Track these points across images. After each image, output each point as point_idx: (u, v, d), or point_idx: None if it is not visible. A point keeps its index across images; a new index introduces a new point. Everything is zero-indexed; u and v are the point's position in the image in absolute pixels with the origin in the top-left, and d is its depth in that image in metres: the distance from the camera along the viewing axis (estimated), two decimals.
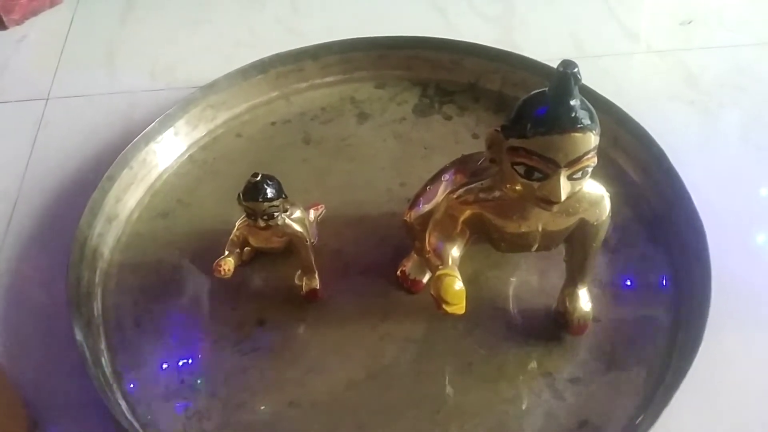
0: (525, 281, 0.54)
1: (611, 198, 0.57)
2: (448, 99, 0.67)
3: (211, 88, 0.64)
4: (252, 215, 0.48)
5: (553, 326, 0.51)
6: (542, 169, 0.39)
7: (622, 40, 0.74)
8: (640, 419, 0.47)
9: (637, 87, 0.69)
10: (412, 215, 0.50)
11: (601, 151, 0.58)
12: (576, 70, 0.38)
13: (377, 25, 0.71)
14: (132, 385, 0.49)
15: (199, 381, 0.49)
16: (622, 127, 0.60)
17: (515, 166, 0.40)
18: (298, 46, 0.67)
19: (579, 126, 0.38)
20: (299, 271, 0.53)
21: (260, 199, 0.47)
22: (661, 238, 0.55)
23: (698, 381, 0.46)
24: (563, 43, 0.73)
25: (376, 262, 0.55)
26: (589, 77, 0.63)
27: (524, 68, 0.64)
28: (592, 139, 0.39)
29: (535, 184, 0.40)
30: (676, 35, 0.74)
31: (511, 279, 0.54)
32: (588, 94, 0.60)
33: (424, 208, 0.49)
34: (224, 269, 0.49)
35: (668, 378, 0.48)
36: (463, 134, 0.64)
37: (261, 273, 0.54)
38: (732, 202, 0.59)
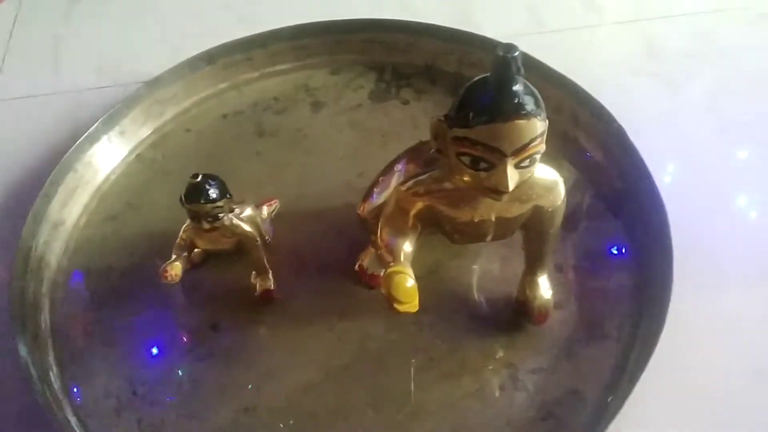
0: (487, 270, 0.52)
1: (572, 177, 0.56)
2: (404, 82, 0.65)
3: (157, 82, 0.62)
4: (195, 218, 0.46)
5: (515, 316, 0.49)
6: (488, 158, 0.37)
7: (584, 12, 0.72)
8: (607, 403, 0.46)
9: (600, 61, 0.67)
10: (365, 208, 0.49)
11: (560, 129, 0.59)
12: (517, 53, 0.36)
13: (331, 8, 0.69)
14: (83, 399, 0.48)
15: (152, 391, 0.48)
16: (582, 105, 0.58)
17: (461, 157, 0.38)
18: (249, 33, 0.65)
19: (523, 113, 0.36)
20: (254, 272, 0.51)
21: (202, 201, 0.45)
22: (622, 218, 0.54)
23: (664, 362, 0.45)
24: (522, 19, 0.71)
25: (334, 257, 0.53)
26: (550, 53, 0.62)
27: (481, 48, 0.62)
28: (538, 126, 0.37)
29: (482, 175, 0.38)
30: (638, 4, 0.72)
31: (473, 267, 0.52)
32: (547, 71, 0.60)
33: (378, 200, 0.47)
34: (171, 275, 0.47)
35: (632, 362, 0.47)
36: (421, 119, 0.62)
37: (213, 275, 0.52)
38: (697, 175, 0.58)
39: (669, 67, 0.66)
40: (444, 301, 0.50)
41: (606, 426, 0.44)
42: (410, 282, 0.40)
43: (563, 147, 0.58)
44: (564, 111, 0.59)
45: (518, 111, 0.36)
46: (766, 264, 0.53)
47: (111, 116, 0.59)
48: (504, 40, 0.60)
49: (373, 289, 0.51)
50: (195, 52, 0.64)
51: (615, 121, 0.56)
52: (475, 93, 0.37)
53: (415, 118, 0.62)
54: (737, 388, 0.47)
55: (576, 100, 0.58)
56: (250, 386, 0.47)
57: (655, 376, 0.45)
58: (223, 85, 0.64)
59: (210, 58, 0.63)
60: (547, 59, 0.59)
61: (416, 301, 0.41)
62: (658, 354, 0.45)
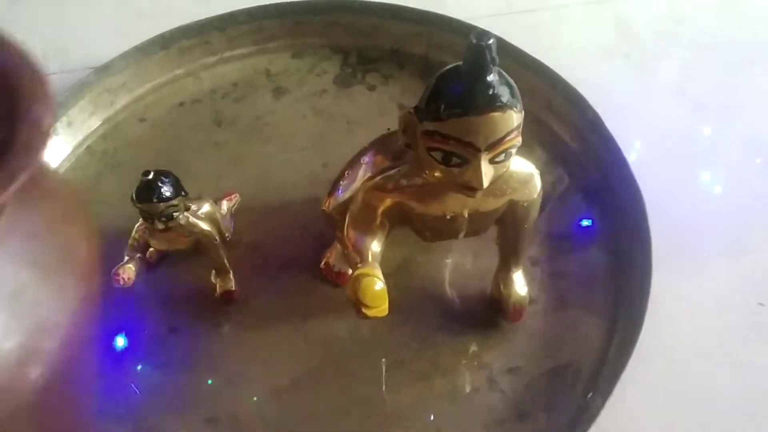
0: (459, 264, 0.50)
1: (546, 165, 0.54)
2: (370, 67, 0.62)
3: (107, 69, 0.58)
4: (148, 218, 0.43)
5: (489, 312, 0.47)
6: (461, 154, 0.35)
7: None
8: (587, 401, 0.44)
9: (572, 42, 0.65)
10: (330, 204, 0.46)
11: (534, 115, 0.56)
12: (491, 41, 0.33)
13: None
14: None
15: (106, 402, 0.45)
16: (556, 90, 0.56)
17: (432, 152, 0.36)
18: (207, 13, 0.61)
19: (498, 104, 0.34)
20: (214, 271, 0.48)
21: (155, 200, 0.42)
22: (598, 206, 0.52)
23: (645, 355, 0.44)
24: None
25: (298, 254, 0.50)
26: (521, 35, 0.60)
27: (449, 30, 0.59)
28: (514, 118, 0.35)
29: (455, 170, 0.36)
30: None
31: (445, 262, 0.50)
32: (519, 55, 0.57)
33: (344, 195, 0.45)
34: (123, 278, 0.44)
35: (612, 358, 0.45)
36: (388, 105, 0.59)
37: (170, 276, 0.49)
38: (669, 156, 0.56)
39: (640, 48, 0.64)
40: (414, 299, 0.48)
41: (588, 426, 0.42)
42: (379, 285, 0.38)
43: (537, 133, 0.55)
44: (537, 96, 0.56)
45: (493, 103, 0.34)
46: (741, 242, 0.52)
47: (57, 106, 0.55)
48: (473, 22, 0.59)
49: (339, 287, 0.49)
50: (149, 36, 0.60)
51: (590, 107, 0.54)
52: (446, 84, 0.35)
53: (382, 104, 0.59)
54: (718, 376, 0.46)
55: (550, 85, 0.56)
56: (211, 394, 0.45)
57: (636, 370, 0.43)
58: (178, 71, 0.60)
59: (164, 42, 0.59)
60: (517, 40, 0.57)
61: (386, 305, 0.38)
62: (638, 347, 0.44)
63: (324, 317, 0.48)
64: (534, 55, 0.57)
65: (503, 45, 0.55)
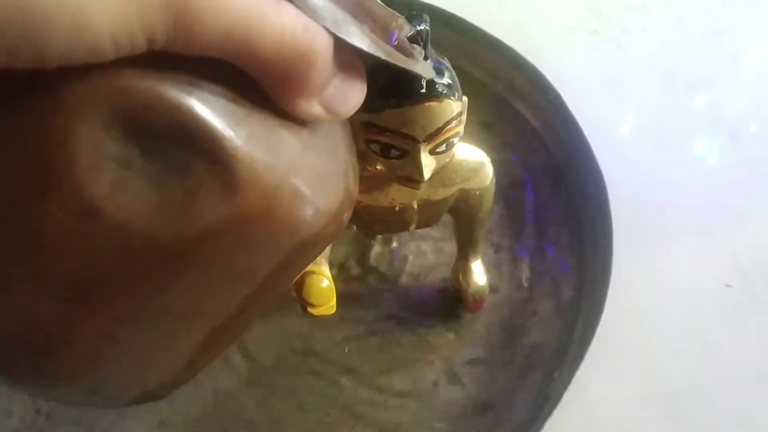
0: (416, 255, 0.49)
1: (508, 148, 0.53)
2: None
3: None
4: None
5: (449, 304, 0.46)
6: (399, 146, 0.34)
7: None
8: (548, 391, 0.43)
9: (538, 18, 0.63)
10: None
11: (498, 96, 0.55)
12: (423, 27, 0.31)
13: None
14: None
15: (57, 409, 0.44)
16: (518, 70, 0.54)
17: (370, 144, 0.34)
18: None
19: (434, 94, 0.32)
20: None
21: None
22: (562, 190, 0.51)
23: (608, 342, 0.43)
24: None
25: None
26: (485, 12, 0.58)
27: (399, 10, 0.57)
28: (453, 107, 0.33)
29: (396, 163, 0.35)
30: None
31: (401, 253, 0.49)
32: (479, 34, 0.55)
33: None
34: None
35: (574, 346, 0.44)
36: None
37: None
38: (637, 135, 0.55)
39: (609, 23, 0.62)
40: (370, 292, 0.47)
41: (548, 415, 0.41)
42: (325, 282, 0.37)
43: (500, 114, 0.54)
44: (499, 76, 0.55)
45: (429, 92, 0.32)
46: (710, 223, 0.51)
47: None
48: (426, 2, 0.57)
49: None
50: None
51: (552, 87, 0.52)
52: (380, 73, 0.33)
53: None
54: (685, 357, 0.45)
55: (512, 65, 0.54)
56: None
57: (599, 353, 0.42)
58: None
59: None
60: (477, 17, 0.55)
61: (333, 302, 0.37)
62: (602, 330, 0.43)
63: (279, 314, 0.46)
64: (497, 34, 0.55)
65: (461, 23, 0.54)
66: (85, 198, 0.20)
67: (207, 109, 0.21)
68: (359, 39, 0.24)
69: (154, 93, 0.20)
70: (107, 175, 0.21)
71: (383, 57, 0.26)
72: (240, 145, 0.22)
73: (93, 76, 0.20)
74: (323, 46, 0.23)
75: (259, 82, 0.23)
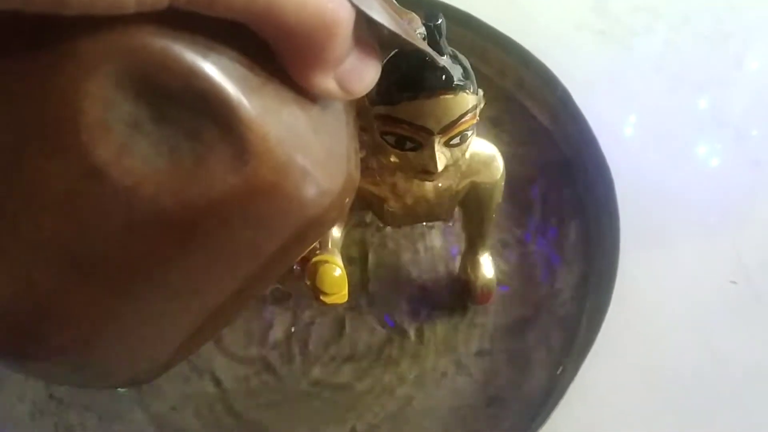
0: (426, 247, 0.49)
1: (517, 145, 0.53)
2: None
3: None
4: None
5: (457, 296, 0.47)
6: (414, 138, 0.34)
7: None
8: (554, 382, 0.44)
9: (545, 17, 0.64)
10: None
11: (507, 92, 0.55)
12: (440, 21, 0.32)
13: None
14: None
15: (70, 393, 0.44)
16: (527, 67, 0.55)
17: (385, 136, 0.35)
18: None
19: (450, 86, 0.33)
20: None
21: None
22: (569, 186, 0.52)
23: (613, 338, 0.44)
24: None
25: None
26: (493, 10, 0.58)
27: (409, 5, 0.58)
28: (468, 100, 0.34)
29: (410, 155, 0.35)
30: None
31: (412, 245, 0.50)
32: (490, 32, 0.56)
33: None
34: None
35: (580, 338, 0.45)
36: None
37: None
38: (644, 135, 0.56)
39: (617, 23, 0.63)
40: (379, 283, 0.48)
41: (552, 408, 0.42)
42: (338, 271, 0.38)
43: (509, 111, 0.55)
44: (509, 74, 0.55)
45: (445, 85, 0.33)
46: (714, 220, 0.51)
47: None
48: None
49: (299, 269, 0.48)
50: None
51: (560, 84, 0.53)
52: (396, 66, 0.33)
53: None
54: (689, 353, 0.46)
55: (521, 62, 0.55)
56: (179, 379, 0.45)
57: (604, 347, 0.43)
58: None
59: None
60: (487, 15, 0.56)
61: (345, 291, 0.38)
62: (608, 325, 0.44)
63: (289, 303, 0.47)
64: (506, 32, 0.56)
65: (472, 21, 0.55)
66: (91, 158, 0.19)
67: (224, 75, 0.20)
68: (380, 15, 0.23)
69: (170, 54, 0.20)
70: (115, 135, 0.20)
71: (402, 35, 0.25)
72: (255, 115, 0.21)
73: (109, 31, 0.19)
74: (346, 19, 0.22)
75: (276, 50, 0.22)
